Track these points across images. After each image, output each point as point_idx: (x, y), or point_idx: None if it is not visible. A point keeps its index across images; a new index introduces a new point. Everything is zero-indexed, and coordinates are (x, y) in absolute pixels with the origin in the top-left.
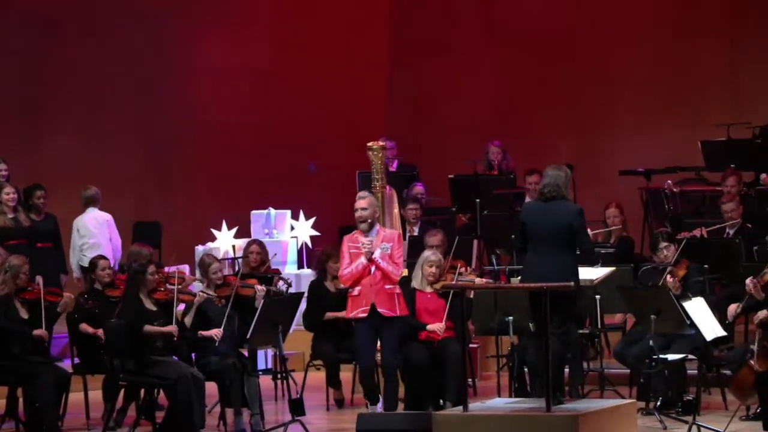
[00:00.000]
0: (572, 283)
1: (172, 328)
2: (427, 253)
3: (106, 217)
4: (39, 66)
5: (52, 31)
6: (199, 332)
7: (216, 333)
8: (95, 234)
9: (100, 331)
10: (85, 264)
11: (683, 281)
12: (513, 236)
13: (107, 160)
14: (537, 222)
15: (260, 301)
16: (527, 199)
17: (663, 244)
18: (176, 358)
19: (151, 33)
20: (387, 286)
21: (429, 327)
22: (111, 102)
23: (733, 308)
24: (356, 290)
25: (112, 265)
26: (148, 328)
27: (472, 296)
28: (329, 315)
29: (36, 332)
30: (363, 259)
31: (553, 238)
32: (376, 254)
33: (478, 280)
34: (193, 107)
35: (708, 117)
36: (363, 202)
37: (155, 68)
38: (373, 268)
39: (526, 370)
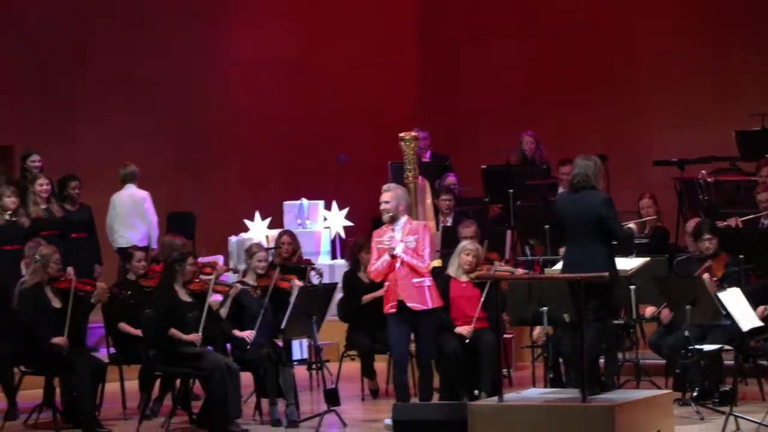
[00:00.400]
0: (606, 274)
1: (196, 337)
2: (465, 242)
3: (143, 194)
4: (73, 58)
5: (84, 24)
6: (234, 332)
7: (248, 335)
8: (129, 212)
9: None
10: (120, 244)
11: (721, 278)
12: (547, 227)
13: (140, 152)
14: (568, 213)
15: (294, 297)
16: (560, 190)
17: (706, 236)
18: (211, 348)
19: (183, 26)
20: (415, 280)
21: (457, 330)
22: (143, 94)
23: (760, 310)
24: (386, 285)
25: (148, 244)
26: (173, 332)
27: (505, 289)
28: (366, 297)
29: (55, 340)
30: (386, 256)
31: (584, 229)
32: (398, 250)
33: (517, 271)
34: (225, 99)
35: (743, 107)
36: (386, 195)
37: (187, 60)
38: (398, 264)
39: (561, 360)
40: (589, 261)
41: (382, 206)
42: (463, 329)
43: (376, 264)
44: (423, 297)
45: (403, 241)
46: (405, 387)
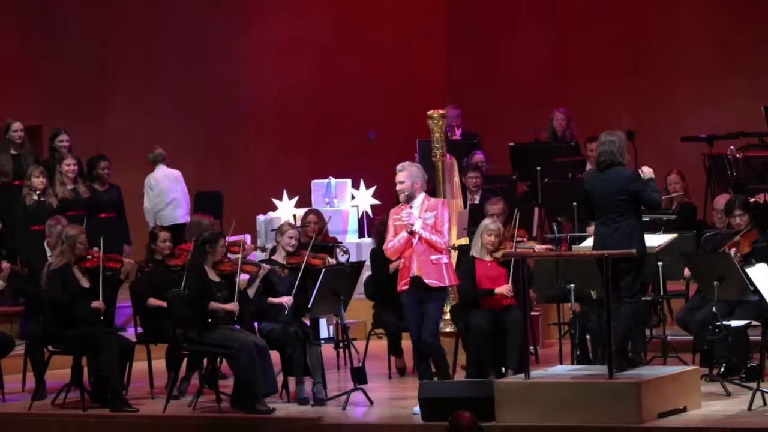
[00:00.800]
0: (634, 251)
1: (234, 306)
2: (487, 222)
3: (176, 173)
4: (102, 38)
5: (114, 4)
6: (269, 299)
7: (286, 301)
8: (170, 189)
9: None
10: (164, 223)
11: (746, 256)
12: (574, 204)
13: (169, 131)
14: (597, 191)
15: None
16: (588, 167)
17: (738, 212)
18: (238, 327)
19: (214, 6)
20: (432, 257)
21: (497, 290)
22: (173, 74)
23: None
24: (400, 263)
25: (185, 221)
26: (213, 304)
27: (532, 266)
28: (393, 266)
29: (94, 304)
30: (404, 233)
31: (612, 206)
32: (417, 226)
33: (538, 247)
34: (255, 78)
35: None
36: (401, 175)
37: (218, 40)
38: (416, 240)
39: (588, 337)
40: (619, 238)
41: (398, 186)
42: (502, 288)
43: (393, 241)
44: (440, 274)
45: (421, 217)
46: (428, 368)
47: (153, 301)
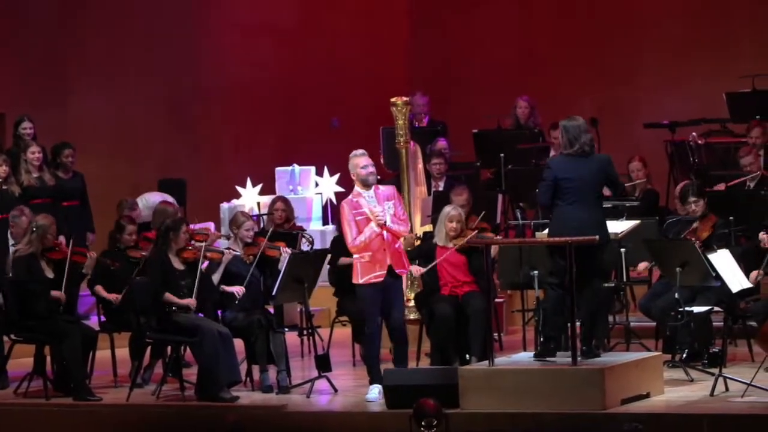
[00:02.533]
0: (597, 237)
1: (191, 301)
2: (448, 209)
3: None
4: (64, 22)
5: None
6: (222, 287)
7: (238, 290)
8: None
9: (114, 296)
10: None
11: (706, 240)
12: (537, 190)
13: (132, 117)
14: (579, 177)
15: (284, 263)
16: (552, 154)
17: (692, 198)
18: (202, 315)
19: None
20: (396, 245)
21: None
22: (136, 59)
23: (754, 276)
24: (367, 256)
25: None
26: (168, 296)
27: (496, 256)
28: (343, 260)
29: (54, 293)
30: (374, 228)
31: (591, 191)
32: (388, 220)
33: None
34: (218, 64)
35: (733, 69)
36: (367, 159)
37: (181, 25)
38: (386, 233)
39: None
40: (595, 222)
41: (370, 169)
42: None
43: (363, 237)
44: (403, 262)
45: (383, 208)
46: (378, 361)
47: (100, 291)
